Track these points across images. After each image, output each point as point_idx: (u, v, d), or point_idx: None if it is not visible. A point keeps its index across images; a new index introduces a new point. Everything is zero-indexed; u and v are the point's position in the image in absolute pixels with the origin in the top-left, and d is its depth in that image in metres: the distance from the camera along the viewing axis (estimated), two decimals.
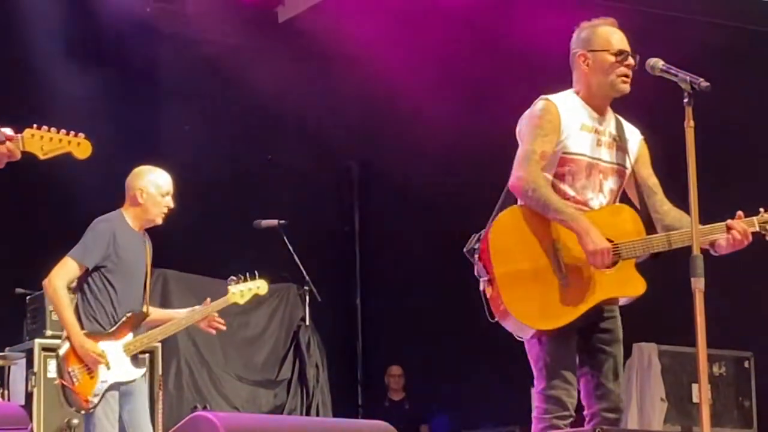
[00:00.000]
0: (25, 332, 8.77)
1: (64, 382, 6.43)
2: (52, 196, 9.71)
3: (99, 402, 6.42)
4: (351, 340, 12.30)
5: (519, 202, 4.94)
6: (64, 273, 6.53)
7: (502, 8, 9.48)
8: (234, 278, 7.02)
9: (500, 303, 4.81)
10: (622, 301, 5.01)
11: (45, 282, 6.60)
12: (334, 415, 10.18)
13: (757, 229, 4.93)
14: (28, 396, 8.26)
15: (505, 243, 4.86)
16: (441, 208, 11.24)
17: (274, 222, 9.19)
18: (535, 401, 4.92)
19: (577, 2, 7.16)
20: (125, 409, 6.56)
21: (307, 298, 9.71)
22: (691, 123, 4.61)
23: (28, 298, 8.85)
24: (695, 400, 9.16)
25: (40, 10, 9.84)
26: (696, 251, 4.57)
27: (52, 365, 8.27)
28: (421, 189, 11.38)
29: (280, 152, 11.27)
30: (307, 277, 9.52)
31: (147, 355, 7.67)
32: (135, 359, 6.60)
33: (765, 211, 4.98)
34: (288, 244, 9.08)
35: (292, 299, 10.43)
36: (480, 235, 4.93)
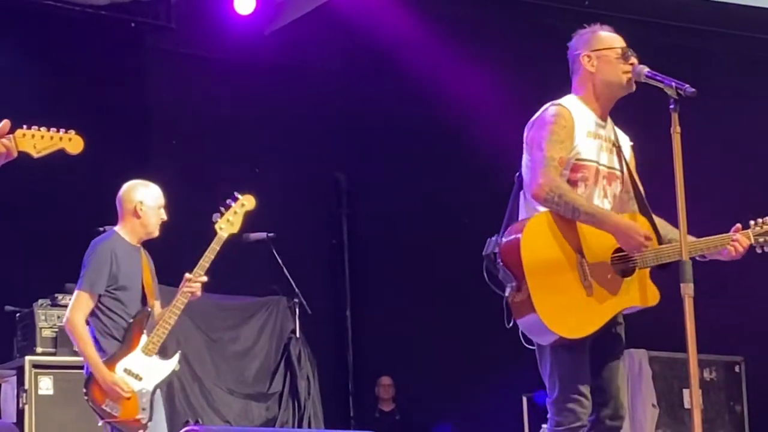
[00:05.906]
0: (15, 349, 8.76)
1: (108, 420, 6.35)
2: (35, 211, 9.68)
3: (152, 410, 6.46)
4: (341, 351, 12.28)
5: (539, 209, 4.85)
6: (80, 308, 6.47)
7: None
8: (216, 215, 6.73)
9: (530, 309, 4.70)
10: (629, 310, 4.98)
11: (65, 323, 6.57)
12: (326, 427, 10.17)
13: (752, 242, 4.98)
14: (20, 413, 8.23)
15: (536, 249, 4.75)
16: (430, 218, 11.23)
17: (262, 235, 9.19)
18: (549, 412, 4.90)
19: None
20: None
21: (297, 310, 9.72)
22: (678, 129, 4.61)
23: (17, 315, 8.83)
24: (686, 405, 9.17)
25: None
26: (685, 257, 4.59)
27: (43, 382, 8.26)
28: (409, 200, 11.37)
29: (268, 165, 11.26)
30: (296, 290, 9.53)
31: None
32: (161, 353, 6.58)
33: (756, 224, 5.00)
34: (277, 257, 9.09)
35: (282, 312, 10.41)
36: (498, 239, 4.84)
